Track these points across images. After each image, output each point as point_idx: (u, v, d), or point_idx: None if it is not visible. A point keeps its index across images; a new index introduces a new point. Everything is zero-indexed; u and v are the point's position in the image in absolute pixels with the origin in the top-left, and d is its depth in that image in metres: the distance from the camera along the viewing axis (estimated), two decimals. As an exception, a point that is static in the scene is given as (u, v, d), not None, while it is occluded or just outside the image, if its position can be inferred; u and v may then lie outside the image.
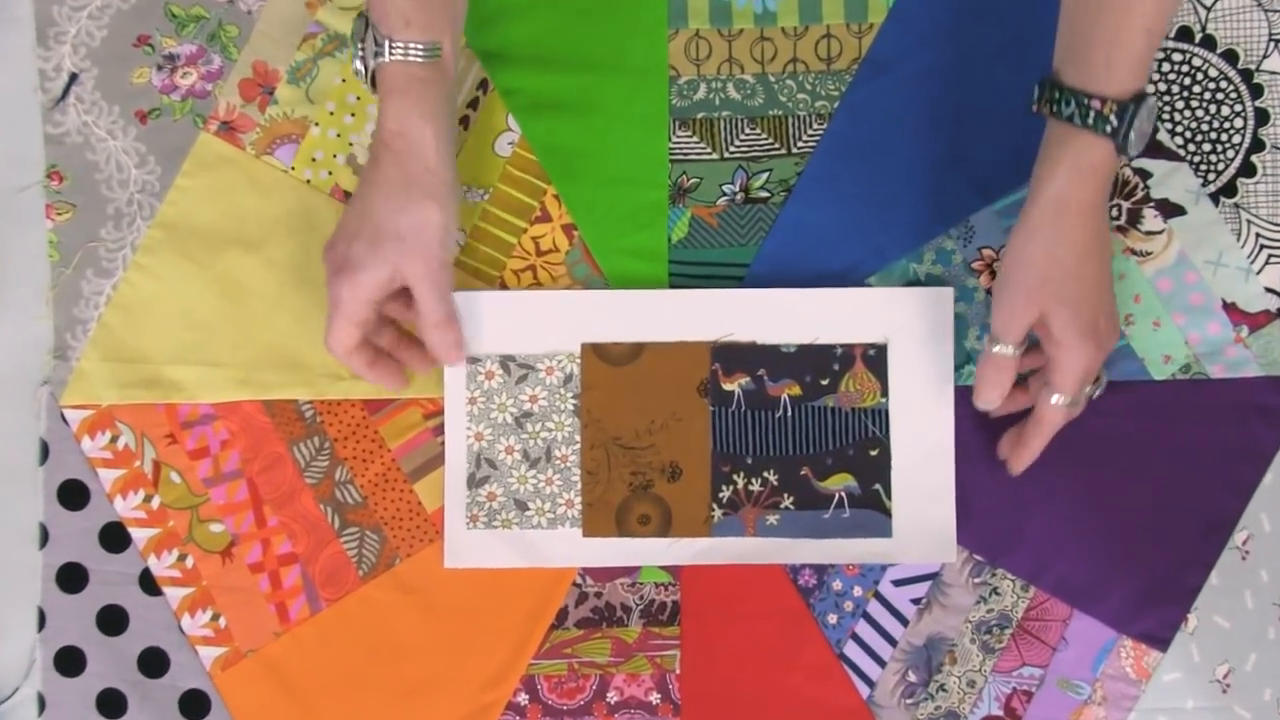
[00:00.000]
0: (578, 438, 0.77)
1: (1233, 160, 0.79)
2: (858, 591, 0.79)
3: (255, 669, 0.78)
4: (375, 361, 0.74)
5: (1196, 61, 0.79)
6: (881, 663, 0.79)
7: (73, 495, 0.80)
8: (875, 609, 0.79)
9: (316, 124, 0.81)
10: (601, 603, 0.79)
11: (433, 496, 0.79)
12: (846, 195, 0.80)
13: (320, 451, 0.80)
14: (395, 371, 0.76)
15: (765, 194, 0.80)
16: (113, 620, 0.79)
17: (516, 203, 0.80)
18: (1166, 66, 0.80)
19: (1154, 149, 0.79)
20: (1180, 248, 0.79)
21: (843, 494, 0.77)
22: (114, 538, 0.80)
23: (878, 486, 0.77)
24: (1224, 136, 0.79)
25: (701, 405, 0.77)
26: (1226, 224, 0.79)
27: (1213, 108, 0.79)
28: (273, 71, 0.81)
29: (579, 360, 0.77)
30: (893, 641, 0.79)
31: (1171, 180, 0.79)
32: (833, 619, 0.79)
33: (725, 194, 0.80)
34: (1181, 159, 0.79)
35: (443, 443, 0.79)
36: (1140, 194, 0.79)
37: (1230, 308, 0.79)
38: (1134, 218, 0.79)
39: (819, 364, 0.77)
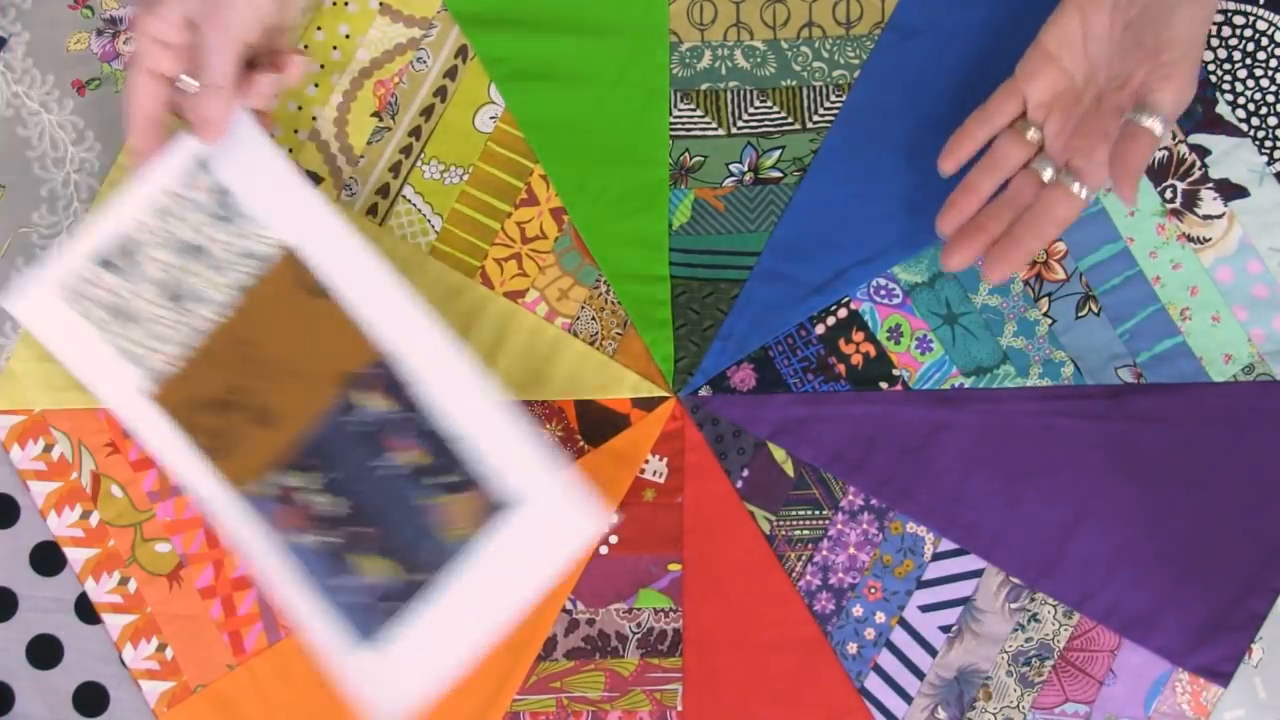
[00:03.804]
0: (215, 316, 0.71)
1: (1301, 135, 0.77)
2: (880, 618, 0.77)
3: (205, 706, 0.76)
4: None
5: (1261, 25, 0.77)
6: (908, 698, 0.77)
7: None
8: (900, 637, 0.77)
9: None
10: (594, 631, 0.77)
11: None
12: (868, 175, 0.77)
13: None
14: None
15: (777, 174, 0.78)
16: (45, 652, 0.77)
17: (499, 184, 0.78)
18: (1227, 31, 0.77)
19: (1213, 123, 0.77)
20: (1242, 233, 0.76)
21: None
22: (47, 559, 0.77)
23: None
24: (1292, 109, 0.77)
25: (328, 393, 0.70)
26: (1294, 207, 0.77)
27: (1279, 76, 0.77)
28: (226, 36, 0.77)
29: (279, 256, 0.70)
30: (920, 674, 0.77)
31: (1232, 158, 0.77)
32: (852, 648, 0.77)
33: (733, 174, 0.78)
34: (1244, 134, 0.76)
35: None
36: (1197, 173, 0.77)
37: (1299, 301, 0.77)
38: (1190, 200, 0.77)
39: (453, 464, 0.70)
